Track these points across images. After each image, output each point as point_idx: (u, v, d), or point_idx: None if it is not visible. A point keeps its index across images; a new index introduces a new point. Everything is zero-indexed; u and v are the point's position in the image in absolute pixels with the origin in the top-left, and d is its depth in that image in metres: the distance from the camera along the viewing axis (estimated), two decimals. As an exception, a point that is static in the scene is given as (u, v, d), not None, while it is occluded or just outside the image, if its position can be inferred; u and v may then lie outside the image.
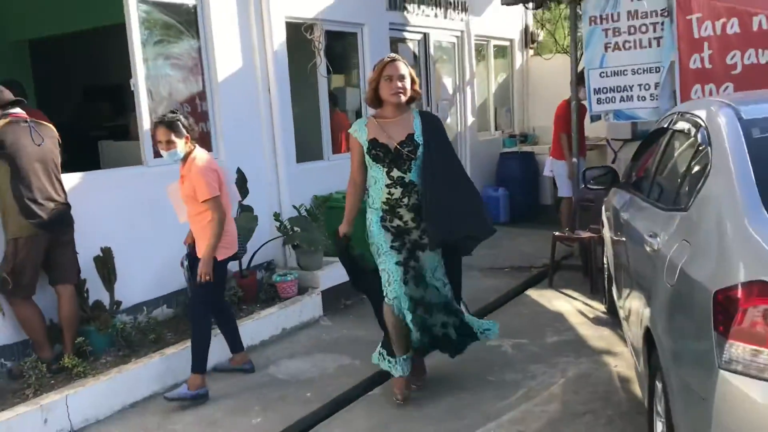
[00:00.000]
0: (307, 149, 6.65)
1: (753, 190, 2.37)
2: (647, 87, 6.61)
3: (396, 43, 7.89)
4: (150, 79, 5.32)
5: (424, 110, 3.86)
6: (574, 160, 7.25)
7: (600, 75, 6.82)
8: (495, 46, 10.00)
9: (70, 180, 4.60)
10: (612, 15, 6.70)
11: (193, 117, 5.66)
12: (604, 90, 6.81)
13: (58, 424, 3.86)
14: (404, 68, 3.78)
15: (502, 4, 7.55)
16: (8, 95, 4.38)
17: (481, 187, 9.30)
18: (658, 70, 6.51)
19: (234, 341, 4.66)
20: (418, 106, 8.18)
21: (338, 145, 7.05)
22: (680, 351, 2.45)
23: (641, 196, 3.76)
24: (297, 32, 6.41)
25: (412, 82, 3.82)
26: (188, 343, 4.39)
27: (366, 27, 7.25)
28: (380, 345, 4.11)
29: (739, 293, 2.04)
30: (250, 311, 5.33)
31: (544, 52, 10.55)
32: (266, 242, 5.85)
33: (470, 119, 9.25)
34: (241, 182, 5.58)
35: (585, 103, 7.07)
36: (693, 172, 2.92)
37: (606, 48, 6.77)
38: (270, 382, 4.51)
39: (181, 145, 4.13)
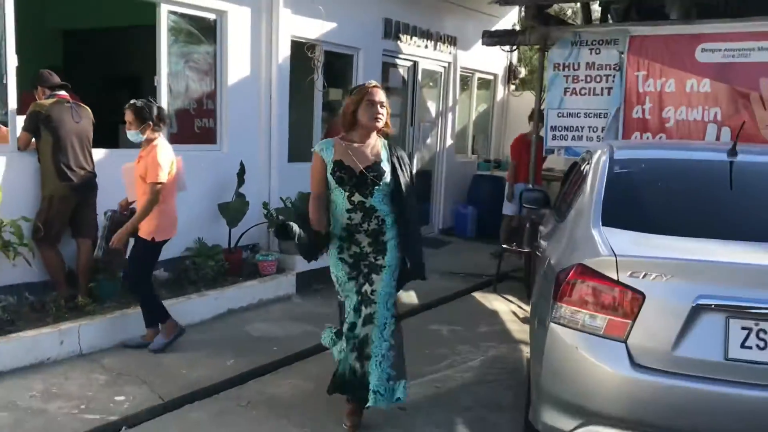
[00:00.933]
0: (298, 151, 7.60)
1: (599, 208, 3.37)
2: (595, 129, 7.64)
3: (388, 67, 8.91)
4: (171, 76, 6.31)
5: (390, 142, 3.92)
6: (520, 184, 8.28)
7: (557, 115, 7.85)
8: (479, 78, 11.05)
9: (97, 154, 5.56)
10: (573, 64, 7.73)
11: (202, 113, 6.71)
12: (559, 128, 7.83)
13: (70, 347, 4.79)
14: (384, 97, 3.79)
15: (483, 44, 8.57)
16: (56, 79, 5.37)
17: (452, 203, 10.34)
18: (605, 116, 7.56)
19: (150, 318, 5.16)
20: (401, 123, 9.24)
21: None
22: (538, 315, 3.43)
23: (554, 214, 4.77)
24: (300, 50, 7.41)
25: (387, 113, 3.81)
26: (180, 299, 5.33)
27: (362, 51, 8.27)
28: (333, 328, 4.08)
29: (567, 272, 3.03)
30: (234, 282, 6.29)
31: (525, 89, 11.60)
32: (253, 226, 6.82)
33: (449, 141, 10.27)
34: (241, 173, 6.56)
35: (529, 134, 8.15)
36: (574, 194, 3.93)
37: (565, 92, 7.80)
38: (244, 338, 5.46)
39: (138, 129, 4.83)
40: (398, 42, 8.87)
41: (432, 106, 10.09)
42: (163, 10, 6.10)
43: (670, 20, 7.47)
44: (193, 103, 6.60)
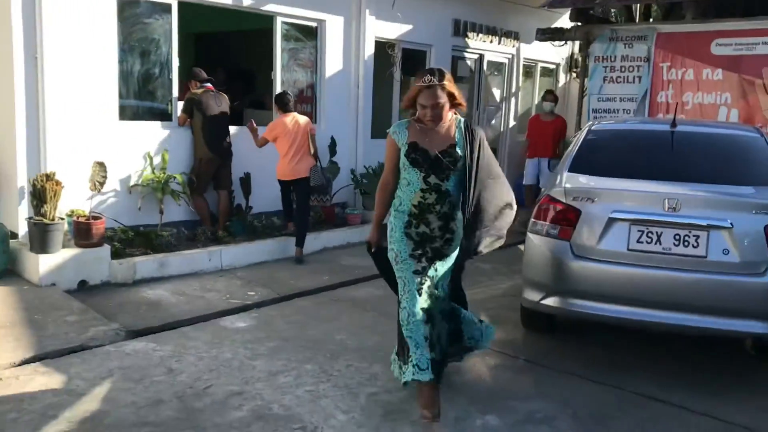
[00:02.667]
0: (380, 130, 9.40)
1: (569, 160, 5.00)
2: (628, 111, 9.09)
3: (456, 60, 10.59)
4: (283, 70, 8.27)
5: (470, 125, 3.84)
6: (534, 159, 9.77)
7: (597, 99, 9.34)
8: (542, 67, 12.53)
9: (232, 130, 7.59)
10: (610, 56, 9.19)
11: (305, 99, 8.65)
12: (599, 111, 9.32)
13: (215, 264, 6.84)
14: (442, 94, 3.67)
15: (536, 40, 10.10)
16: (203, 75, 7.42)
17: (515, 178, 11.92)
18: (636, 100, 8.98)
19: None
20: (468, 107, 10.90)
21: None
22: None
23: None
24: (382, 48, 9.22)
25: (454, 97, 3.73)
26: (287, 239, 7.32)
27: (434, 47, 10.01)
28: (394, 352, 4.05)
29: (540, 200, 4.72)
30: (329, 228, 8.24)
31: (585, 76, 12.95)
32: (343, 187, 8.74)
33: (512, 122, 11.85)
34: (333, 145, 8.49)
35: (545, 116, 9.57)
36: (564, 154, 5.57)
37: (604, 80, 9.28)
38: (335, 265, 7.37)
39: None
40: (465, 38, 10.53)
41: (497, 92, 11.69)
42: (278, 20, 8.07)
43: (691, 19, 8.81)
44: (298, 91, 8.56)
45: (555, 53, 12.43)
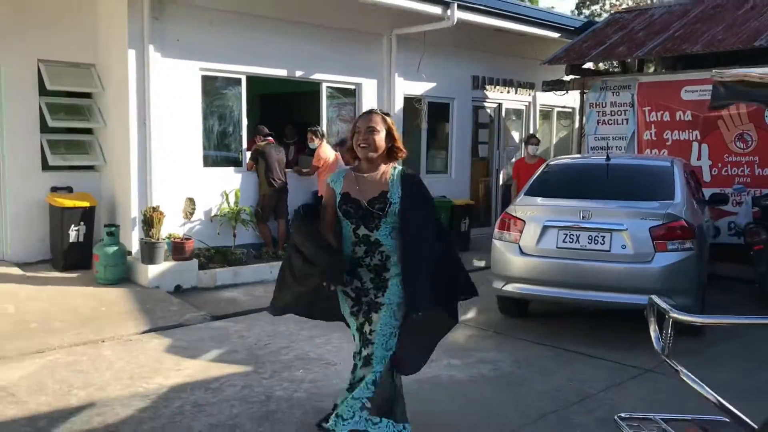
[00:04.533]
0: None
1: (526, 188, 6.82)
2: (620, 148, 10.76)
3: (477, 109, 12.51)
4: (328, 123, 10.38)
5: (407, 171, 3.73)
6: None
7: (594, 139, 11.05)
8: (558, 111, 14.31)
9: (288, 174, 9.70)
10: (602, 103, 10.94)
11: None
12: (596, 149, 11.01)
13: (275, 275, 8.83)
14: (379, 122, 3.61)
15: (543, 90, 11.96)
16: (266, 130, 9.59)
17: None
18: (624, 138, 10.66)
19: None
20: (489, 148, 12.73)
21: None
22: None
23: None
24: (410, 102, 11.24)
25: (393, 139, 3.66)
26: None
27: (456, 99, 11.98)
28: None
29: (502, 216, 6.55)
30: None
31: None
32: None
33: (531, 161, 13.59)
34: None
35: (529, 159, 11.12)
36: (531, 183, 7.38)
37: (598, 122, 11.01)
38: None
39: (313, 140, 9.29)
40: (484, 90, 12.47)
41: (515, 135, 13.52)
42: (323, 85, 10.22)
43: (663, 71, 10.50)
44: (340, 140, 10.63)
45: (572, 99, 14.19)
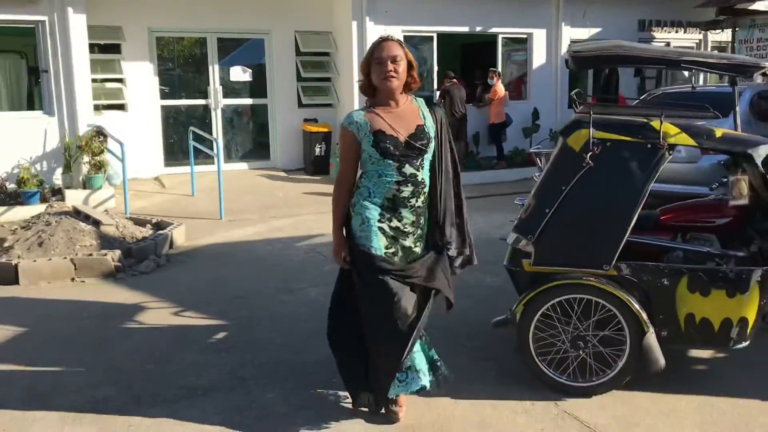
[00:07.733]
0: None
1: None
2: (762, 80, 12.05)
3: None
4: (504, 65, 13.13)
5: (428, 99, 3.56)
6: None
7: (742, 72, 12.43)
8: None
9: (469, 108, 12.68)
10: (750, 39, 12.23)
11: (519, 82, 13.43)
12: (743, 80, 12.40)
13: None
14: (398, 49, 3.31)
15: (701, 29, 13.35)
16: (452, 74, 12.63)
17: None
18: None
19: None
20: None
21: (595, 102, 14.05)
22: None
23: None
24: (576, 46, 13.46)
25: (410, 67, 3.37)
26: (498, 170, 12.24)
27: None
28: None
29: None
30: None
31: None
32: (542, 140, 13.28)
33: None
34: (534, 114, 13.08)
35: None
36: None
37: (746, 57, 12.36)
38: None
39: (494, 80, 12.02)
40: (650, 32, 14.17)
41: (686, 72, 14.96)
42: (499, 36, 12.98)
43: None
44: (515, 78, 13.35)
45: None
